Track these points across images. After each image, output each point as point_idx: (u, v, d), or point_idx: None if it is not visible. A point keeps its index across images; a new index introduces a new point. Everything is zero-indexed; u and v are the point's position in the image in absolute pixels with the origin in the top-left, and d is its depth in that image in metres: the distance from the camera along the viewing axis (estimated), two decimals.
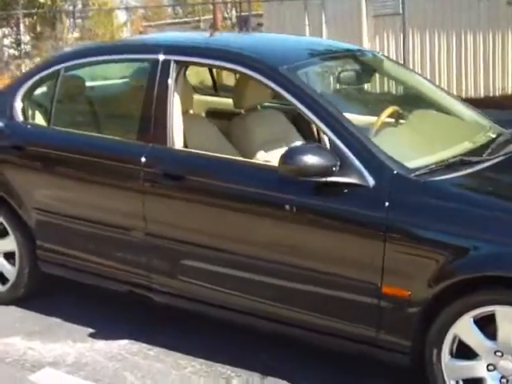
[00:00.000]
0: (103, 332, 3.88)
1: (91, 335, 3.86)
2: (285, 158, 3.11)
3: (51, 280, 4.22)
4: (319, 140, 4.67)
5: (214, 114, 4.62)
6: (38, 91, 4.26)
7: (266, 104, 4.55)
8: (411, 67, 11.37)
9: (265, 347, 3.64)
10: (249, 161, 3.55)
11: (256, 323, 3.44)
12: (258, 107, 4.43)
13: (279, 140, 4.26)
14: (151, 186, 3.56)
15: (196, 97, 4.82)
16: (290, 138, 4.32)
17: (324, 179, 3.10)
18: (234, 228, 3.41)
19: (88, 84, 4.42)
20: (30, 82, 4.16)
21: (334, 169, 3.09)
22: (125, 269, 3.78)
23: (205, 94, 5.04)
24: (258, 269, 3.34)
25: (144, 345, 3.74)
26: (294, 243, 3.24)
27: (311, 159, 3.06)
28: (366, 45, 12.89)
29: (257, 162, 3.61)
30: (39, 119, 4.18)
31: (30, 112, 4.18)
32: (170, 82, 3.63)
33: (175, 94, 3.63)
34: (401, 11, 12.35)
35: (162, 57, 3.68)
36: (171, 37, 4.51)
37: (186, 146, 3.67)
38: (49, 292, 4.35)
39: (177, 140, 3.60)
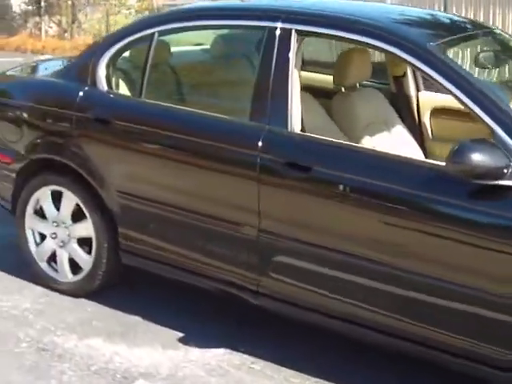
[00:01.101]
0: (195, 337, 3.38)
1: (182, 341, 3.36)
2: (455, 156, 2.60)
3: (130, 272, 3.74)
4: (419, 124, 4.28)
5: (308, 90, 4.10)
6: (126, 57, 3.69)
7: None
8: None
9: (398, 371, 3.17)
10: (395, 155, 2.95)
11: (379, 339, 2.98)
12: (357, 85, 3.92)
13: (382, 122, 3.85)
14: (269, 176, 3.05)
15: None
16: (391, 120, 3.93)
17: (495, 182, 2.62)
18: (372, 231, 2.88)
19: (184, 50, 3.87)
20: (116, 47, 3.57)
21: (505, 171, 2.61)
22: (220, 265, 3.30)
23: None
24: (392, 278, 2.85)
25: (245, 356, 3.25)
26: (444, 255, 2.74)
27: (484, 159, 2.56)
28: None
29: (405, 156, 2.98)
30: (127, 90, 3.63)
31: (115, 81, 3.62)
32: (291, 55, 3.08)
33: (295, 69, 3.10)
34: None
35: (280, 25, 3.13)
36: (283, 2, 3.94)
37: (303, 129, 3.17)
38: (126, 285, 3.85)
39: (296, 123, 3.08)
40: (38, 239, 3.90)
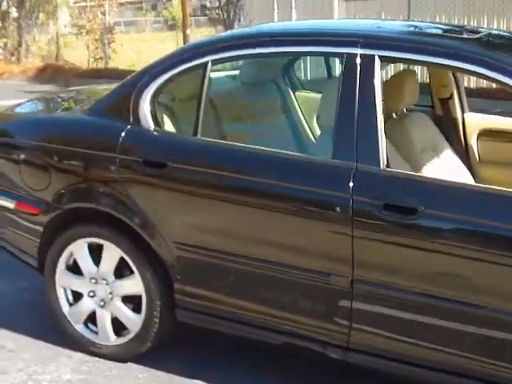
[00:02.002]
0: None
1: None
2: None
3: (182, 329, 3.34)
4: (466, 146, 4.05)
5: None
6: (173, 90, 3.29)
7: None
8: None
9: None
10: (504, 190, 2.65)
11: None
12: (404, 110, 3.65)
13: (432, 147, 3.61)
14: (365, 220, 2.71)
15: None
16: (440, 144, 3.70)
17: None
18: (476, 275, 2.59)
19: (244, 81, 3.48)
20: (161, 78, 3.14)
21: None
22: (297, 319, 2.93)
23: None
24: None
25: None
26: None
27: None
28: None
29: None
30: (177, 127, 3.22)
31: (161, 117, 3.20)
32: (376, 83, 2.78)
33: (380, 99, 2.79)
34: None
35: (360, 51, 2.81)
36: (356, 25, 3.57)
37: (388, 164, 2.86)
38: (177, 343, 3.44)
39: (383, 157, 2.76)
40: (71, 298, 3.47)
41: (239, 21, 13.16)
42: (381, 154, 2.73)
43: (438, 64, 2.85)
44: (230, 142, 3.00)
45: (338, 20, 3.57)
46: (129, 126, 3.17)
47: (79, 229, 3.34)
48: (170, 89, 3.25)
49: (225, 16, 13.01)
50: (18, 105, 4.04)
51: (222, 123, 3.30)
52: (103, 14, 14.71)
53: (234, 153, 2.99)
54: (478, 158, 3.94)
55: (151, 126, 3.15)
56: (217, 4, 15.64)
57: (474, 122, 3.97)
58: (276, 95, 3.91)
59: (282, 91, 3.97)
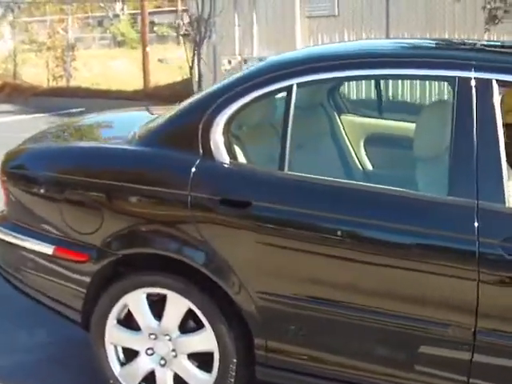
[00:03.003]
0: None
1: None
2: None
3: None
4: None
5: None
6: (249, 117, 2.91)
7: None
8: None
9: None
10: None
11: None
12: None
13: None
14: (494, 267, 2.37)
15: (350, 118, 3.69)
16: None
17: None
18: None
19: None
20: (236, 104, 2.75)
21: None
22: (408, 377, 2.57)
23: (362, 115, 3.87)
24: None
25: None
26: None
27: None
28: (300, 46, 12.32)
29: None
30: (256, 160, 2.83)
31: (237, 148, 2.80)
32: (496, 111, 2.46)
33: (501, 128, 2.48)
34: (336, 13, 12.02)
35: (474, 74, 2.49)
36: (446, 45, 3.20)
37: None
38: None
39: (508, 196, 2.44)
40: (123, 357, 3.02)
41: (209, 38, 12.82)
42: (505, 190, 2.41)
43: None
44: (328, 178, 2.63)
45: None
46: (199, 159, 2.76)
47: (137, 278, 2.90)
48: (245, 116, 2.86)
49: (195, 33, 12.69)
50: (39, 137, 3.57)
51: (311, 155, 2.92)
52: (64, 30, 14.11)
53: (333, 190, 2.62)
54: None
55: (226, 158, 2.75)
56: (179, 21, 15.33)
57: None
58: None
59: (326, 116, 3.63)
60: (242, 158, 2.81)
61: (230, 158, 2.76)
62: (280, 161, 2.69)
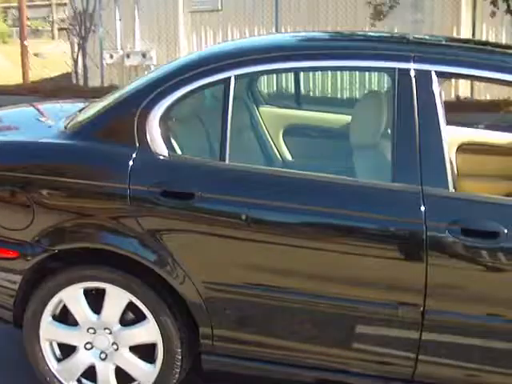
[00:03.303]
0: None
1: None
2: None
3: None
4: None
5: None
6: (187, 109, 2.89)
7: None
8: None
9: None
10: None
11: None
12: None
13: None
14: (441, 248, 2.51)
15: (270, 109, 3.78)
16: None
17: None
18: None
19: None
20: (173, 96, 2.73)
21: None
22: (351, 356, 2.70)
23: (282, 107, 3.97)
24: None
25: None
26: None
27: None
28: (182, 41, 12.54)
29: None
30: (195, 151, 2.82)
31: (175, 140, 2.79)
32: (437, 101, 2.60)
33: (443, 118, 2.62)
34: (219, 7, 12.26)
35: (414, 66, 2.62)
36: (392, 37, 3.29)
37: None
38: None
39: (451, 180, 2.59)
40: (59, 353, 2.96)
41: (94, 32, 12.53)
42: (448, 175, 2.55)
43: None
44: (271, 168, 2.68)
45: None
46: (136, 152, 2.73)
47: (73, 273, 2.83)
48: (182, 108, 2.85)
49: (80, 27, 12.36)
50: None
51: (259, 147, 2.95)
52: None
53: (277, 180, 2.68)
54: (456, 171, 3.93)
55: (164, 150, 2.74)
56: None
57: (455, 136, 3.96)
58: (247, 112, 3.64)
59: (249, 108, 3.71)
60: (179, 150, 2.80)
61: (168, 150, 2.75)
62: (221, 152, 2.71)
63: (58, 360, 2.95)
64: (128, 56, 12.79)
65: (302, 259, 2.64)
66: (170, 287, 2.76)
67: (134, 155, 2.72)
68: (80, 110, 3.29)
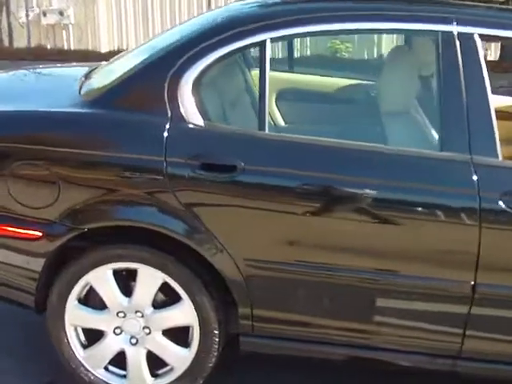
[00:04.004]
0: None
1: None
2: None
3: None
4: None
5: None
6: (218, 75, 2.70)
7: None
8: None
9: None
10: None
11: None
12: None
13: None
14: (495, 220, 2.42)
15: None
16: None
17: None
18: None
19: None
20: (207, 58, 2.54)
21: None
22: (401, 334, 2.61)
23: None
24: None
25: None
26: None
27: None
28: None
29: None
30: (235, 120, 2.65)
31: (211, 109, 2.60)
32: (483, 66, 2.49)
33: (488, 83, 2.50)
34: None
35: (457, 29, 2.50)
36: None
37: None
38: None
39: (499, 149, 2.48)
40: (84, 339, 2.78)
41: None
42: (497, 144, 2.46)
43: None
44: (317, 138, 2.52)
45: None
46: (170, 122, 2.54)
47: (102, 253, 2.65)
48: (217, 73, 2.68)
49: None
50: None
51: (302, 116, 2.78)
52: None
53: (325, 150, 2.52)
54: None
55: (199, 120, 2.56)
56: None
57: None
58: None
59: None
60: (215, 119, 2.63)
61: (204, 119, 2.57)
62: (261, 122, 2.55)
63: (84, 346, 2.78)
64: (44, 14, 12.15)
65: (352, 235, 2.51)
66: (206, 265, 2.61)
67: (167, 125, 2.54)
68: (86, 75, 3.09)
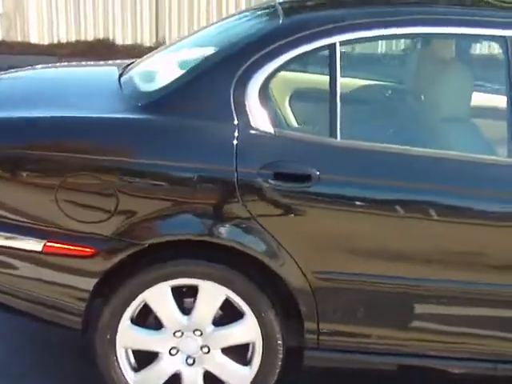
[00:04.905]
0: None
1: None
2: None
3: None
4: None
5: None
6: (284, 81, 2.58)
7: None
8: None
9: None
10: None
11: None
12: None
13: None
14: None
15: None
16: None
17: None
18: None
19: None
20: (273, 63, 2.41)
21: None
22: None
23: None
24: None
25: None
26: None
27: None
28: None
29: None
30: (306, 127, 2.53)
31: (281, 115, 2.49)
32: None
33: None
34: None
35: None
36: None
37: None
38: None
39: None
40: (134, 362, 2.59)
41: None
42: None
43: None
44: (397, 147, 2.45)
45: None
46: (238, 130, 2.40)
47: (161, 270, 2.48)
48: (281, 79, 2.56)
49: None
50: None
51: (374, 122, 2.67)
52: None
53: (407, 159, 2.45)
54: None
55: (268, 127, 2.44)
56: None
57: None
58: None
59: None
60: (286, 126, 2.53)
61: (274, 127, 2.46)
62: (331, 128, 2.45)
63: (135, 370, 2.60)
64: None
65: (433, 245, 2.46)
66: (270, 279, 2.50)
67: (236, 133, 2.41)
68: (121, 74, 2.90)
